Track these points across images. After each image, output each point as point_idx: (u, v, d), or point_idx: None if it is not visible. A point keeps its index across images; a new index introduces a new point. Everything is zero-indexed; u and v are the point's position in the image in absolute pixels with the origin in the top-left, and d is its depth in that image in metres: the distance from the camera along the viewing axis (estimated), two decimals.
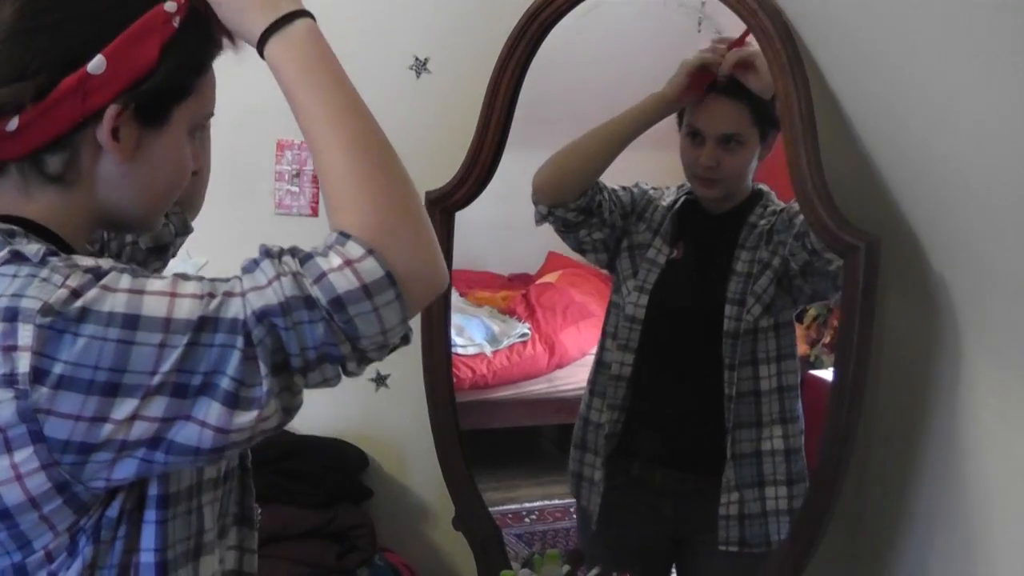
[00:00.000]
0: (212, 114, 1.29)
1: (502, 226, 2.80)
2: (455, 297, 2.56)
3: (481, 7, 2.47)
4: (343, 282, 1.07)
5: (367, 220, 1.12)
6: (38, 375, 1.02)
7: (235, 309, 1.06)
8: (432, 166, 2.37)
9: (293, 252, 1.11)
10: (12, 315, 1.03)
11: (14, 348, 1.03)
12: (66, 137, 1.15)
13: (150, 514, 1.17)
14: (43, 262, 1.07)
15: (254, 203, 2.73)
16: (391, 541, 2.75)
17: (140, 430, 1.05)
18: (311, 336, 1.07)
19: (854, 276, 1.85)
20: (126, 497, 1.14)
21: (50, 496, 1.09)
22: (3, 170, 1.17)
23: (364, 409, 2.79)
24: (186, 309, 1.05)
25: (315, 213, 2.74)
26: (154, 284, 1.07)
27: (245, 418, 1.07)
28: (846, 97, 1.90)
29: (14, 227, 1.14)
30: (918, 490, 1.98)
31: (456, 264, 2.40)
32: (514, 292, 3.06)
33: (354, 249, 1.09)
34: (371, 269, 1.08)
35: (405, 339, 1.17)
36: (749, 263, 2.19)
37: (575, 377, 2.87)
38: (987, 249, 1.68)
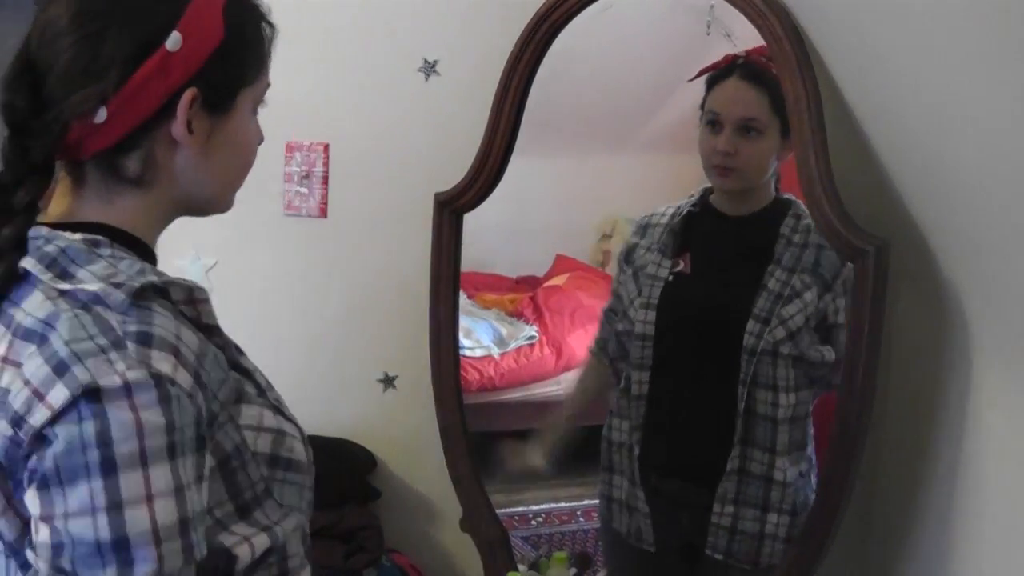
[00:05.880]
0: (269, 86, 1.30)
1: (510, 228, 2.80)
2: (463, 299, 2.56)
3: (491, 9, 2.48)
4: None
5: None
6: (39, 440, 1.02)
7: None
8: (441, 168, 2.38)
9: None
10: (62, 369, 1.02)
11: (41, 398, 1.02)
12: (142, 135, 1.16)
13: None
14: (119, 344, 1.04)
15: (263, 205, 2.73)
16: (398, 542, 2.75)
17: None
18: None
19: (863, 281, 1.85)
20: None
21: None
22: (84, 178, 1.18)
23: (372, 410, 2.79)
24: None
25: (324, 215, 2.74)
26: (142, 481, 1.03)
27: None
28: (856, 99, 1.90)
29: (98, 237, 1.14)
30: (928, 496, 1.97)
31: (464, 266, 2.40)
32: (522, 294, 3.06)
33: None
34: None
35: None
36: (782, 284, 2.16)
37: None
38: (998, 253, 1.68)
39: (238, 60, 1.21)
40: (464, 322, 2.70)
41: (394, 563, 2.65)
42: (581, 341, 2.96)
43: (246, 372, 1.23)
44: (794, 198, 2.23)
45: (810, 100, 1.88)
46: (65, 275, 1.09)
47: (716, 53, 2.21)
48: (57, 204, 1.20)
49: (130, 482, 0.99)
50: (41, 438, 1.01)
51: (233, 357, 1.21)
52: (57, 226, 1.15)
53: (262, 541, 1.17)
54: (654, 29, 2.43)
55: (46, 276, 1.10)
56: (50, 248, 1.11)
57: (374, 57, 2.65)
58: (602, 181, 2.76)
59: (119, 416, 1.00)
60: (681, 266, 2.30)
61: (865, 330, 1.85)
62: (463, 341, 2.69)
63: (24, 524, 1.08)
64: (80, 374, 1.01)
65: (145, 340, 1.04)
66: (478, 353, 2.86)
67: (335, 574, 2.52)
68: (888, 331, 1.92)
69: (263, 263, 2.83)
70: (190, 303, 1.16)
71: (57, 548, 1.00)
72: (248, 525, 1.16)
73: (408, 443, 2.77)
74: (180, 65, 1.14)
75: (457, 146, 2.35)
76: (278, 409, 1.25)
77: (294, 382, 2.76)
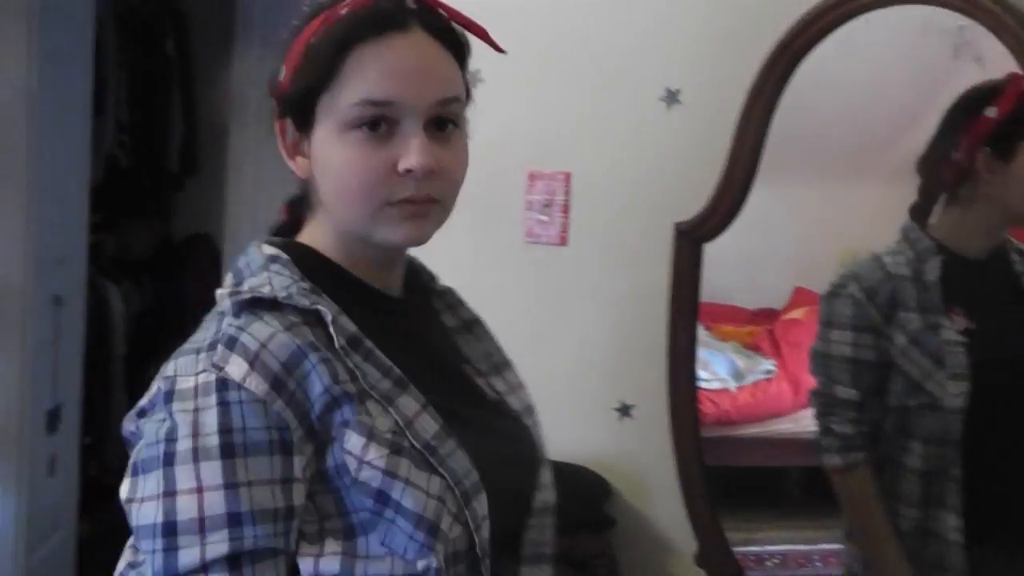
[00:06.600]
0: (379, 102, 1.17)
1: (748, 259, 2.77)
2: (700, 331, 2.54)
3: (733, 38, 2.47)
4: None
5: None
6: (132, 427, 1.17)
7: None
8: (682, 197, 2.38)
9: None
10: (167, 367, 1.14)
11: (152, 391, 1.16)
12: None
13: None
14: (212, 345, 1.12)
15: (503, 231, 2.79)
16: (632, 572, 2.75)
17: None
18: None
19: None
20: None
21: None
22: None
23: (608, 438, 2.80)
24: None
25: (564, 242, 2.77)
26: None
27: None
28: None
29: (281, 254, 1.21)
30: None
31: (702, 296, 2.39)
32: (759, 327, 3.02)
33: None
34: None
35: None
36: None
37: None
38: None
39: (309, 72, 1.20)
40: (701, 353, 2.68)
41: None
42: None
43: (391, 403, 1.17)
44: None
45: None
46: (240, 284, 1.20)
47: (964, 78, 2.10)
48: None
49: (183, 474, 1.08)
50: (135, 427, 1.16)
51: (375, 383, 1.16)
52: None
53: (330, 566, 1.13)
54: (898, 54, 2.37)
55: (227, 284, 1.21)
56: (240, 261, 1.23)
57: (617, 87, 2.68)
58: (844, 211, 2.69)
59: (182, 417, 1.10)
60: (963, 323, 2.04)
61: None
62: (699, 373, 2.67)
63: None
64: (169, 370, 1.13)
65: (230, 344, 1.12)
66: (714, 385, 2.84)
67: None
68: None
69: (502, 288, 2.88)
70: (319, 325, 1.16)
71: (136, 529, 1.11)
72: (340, 546, 1.14)
73: (644, 473, 2.77)
74: (282, 96, 1.23)
75: (698, 175, 2.35)
76: (424, 457, 1.16)
77: None
